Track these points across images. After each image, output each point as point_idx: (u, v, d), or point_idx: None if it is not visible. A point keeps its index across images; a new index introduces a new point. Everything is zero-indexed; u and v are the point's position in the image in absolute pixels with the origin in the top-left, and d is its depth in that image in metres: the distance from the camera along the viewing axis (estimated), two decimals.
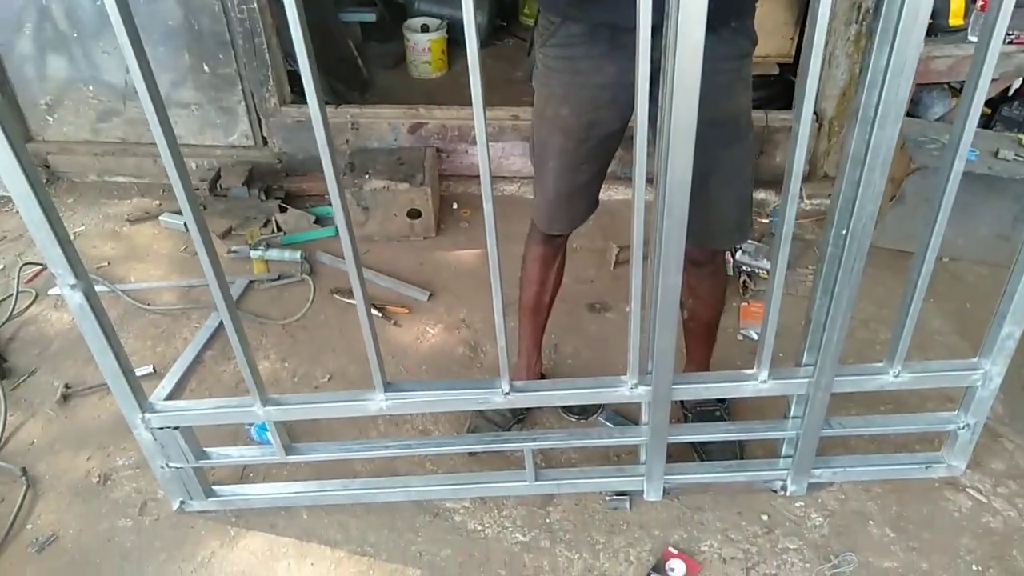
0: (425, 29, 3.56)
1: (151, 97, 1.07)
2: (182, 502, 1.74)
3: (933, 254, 1.34)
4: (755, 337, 2.22)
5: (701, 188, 1.24)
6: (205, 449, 1.65)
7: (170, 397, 2.04)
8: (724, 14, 1.31)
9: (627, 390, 1.49)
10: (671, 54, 1.07)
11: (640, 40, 1.04)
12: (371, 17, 3.75)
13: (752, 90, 1.52)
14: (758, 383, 1.49)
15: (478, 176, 1.16)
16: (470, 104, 1.07)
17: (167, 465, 1.63)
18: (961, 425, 1.60)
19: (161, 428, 1.54)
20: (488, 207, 1.17)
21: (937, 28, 2.60)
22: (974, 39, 2.59)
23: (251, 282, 2.46)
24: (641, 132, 1.15)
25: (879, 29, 1.14)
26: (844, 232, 1.30)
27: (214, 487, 1.75)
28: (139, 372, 2.16)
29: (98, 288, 2.48)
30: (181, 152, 1.15)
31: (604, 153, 1.57)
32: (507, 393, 1.46)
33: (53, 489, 1.84)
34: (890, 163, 1.23)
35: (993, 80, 3.05)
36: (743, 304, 2.31)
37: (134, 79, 1.05)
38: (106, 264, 2.57)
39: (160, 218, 2.74)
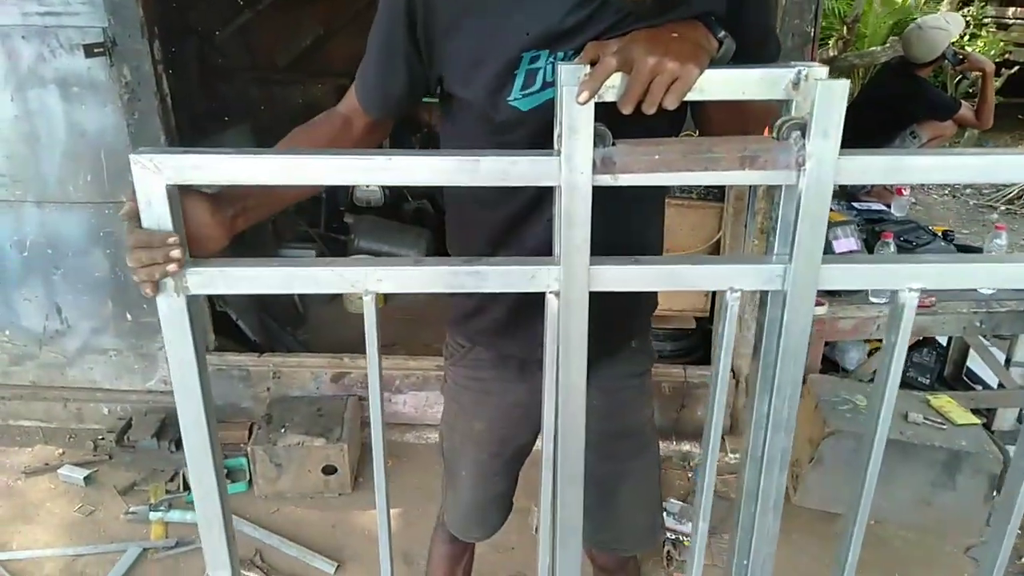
0: None
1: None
2: None
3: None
4: None
5: (611, 498, 1.20)
6: None
7: None
8: (623, 337, 1.38)
9: None
10: (551, 398, 1.06)
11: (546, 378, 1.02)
12: (311, 253, 3.86)
13: (674, 341, 1.53)
14: None
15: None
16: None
17: None
18: None
19: None
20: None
21: (838, 291, 2.78)
22: (875, 300, 2.77)
23: (144, 550, 2.28)
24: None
25: (759, 378, 1.18)
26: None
27: None
28: None
29: None
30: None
31: (517, 463, 1.55)
32: None
33: None
34: (781, 506, 1.22)
35: None
36: None
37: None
38: None
39: (59, 471, 2.58)
